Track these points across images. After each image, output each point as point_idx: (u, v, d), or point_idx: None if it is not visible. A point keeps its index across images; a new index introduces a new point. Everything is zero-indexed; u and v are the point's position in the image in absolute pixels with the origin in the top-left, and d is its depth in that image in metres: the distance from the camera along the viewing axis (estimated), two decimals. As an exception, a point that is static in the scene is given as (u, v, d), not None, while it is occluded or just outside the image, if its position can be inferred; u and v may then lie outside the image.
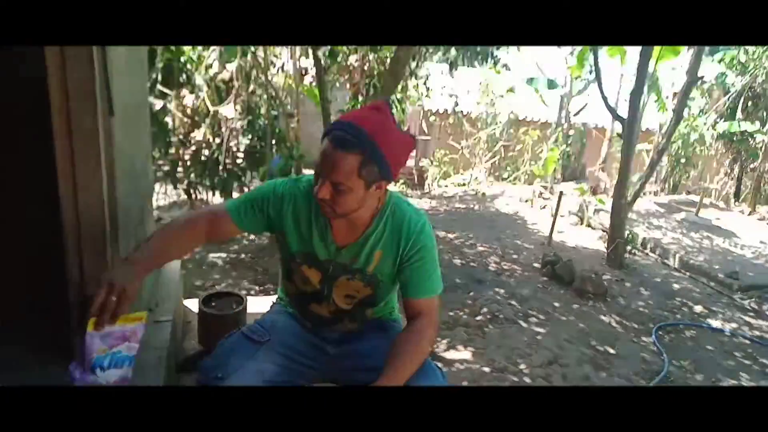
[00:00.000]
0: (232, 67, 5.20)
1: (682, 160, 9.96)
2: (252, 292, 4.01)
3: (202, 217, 1.43)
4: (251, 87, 6.20)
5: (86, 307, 1.13)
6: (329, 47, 5.84)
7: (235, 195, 5.50)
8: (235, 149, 5.55)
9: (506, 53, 8.85)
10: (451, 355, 3.19)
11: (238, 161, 5.63)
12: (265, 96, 6.33)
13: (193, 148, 5.40)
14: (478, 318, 3.74)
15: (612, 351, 3.61)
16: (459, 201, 9.03)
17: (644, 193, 9.73)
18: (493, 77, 10.76)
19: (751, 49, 9.38)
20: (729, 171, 10.78)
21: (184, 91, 5.11)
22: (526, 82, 10.11)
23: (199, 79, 5.18)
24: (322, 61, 5.17)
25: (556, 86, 10.04)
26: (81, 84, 1.29)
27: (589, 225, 7.43)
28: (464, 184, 10.61)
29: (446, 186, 10.73)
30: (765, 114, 9.55)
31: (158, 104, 4.63)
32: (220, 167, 5.37)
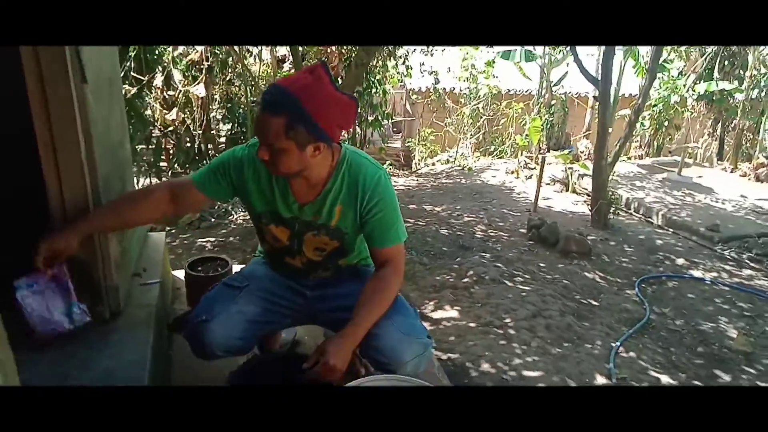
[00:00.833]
0: (200, 47, 5.25)
1: (665, 123, 10.07)
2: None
3: (163, 188, 1.53)
4: (228, 76, 6.25)
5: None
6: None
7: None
8: (216, 136, 5.60)
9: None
10: (438, 314, 3.29)
11: (221, 147, 5.68)
12: (243, 85, 6.38)
13: (174, 136, 5.45)
14: (465, 280, 3.83)
15: (595, 303, 3.73)
16: (446, 177, 9.11)
17: (628, 157, 9.86)
18: (472, 52, 10.79)
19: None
20: (711, 132, 10.91)
21: (157, 75, 5.15)
22: (501, 56, 10.12)
23: (176, 62, 5.23)
24: (300, 48, 5.22)
25: (533, 58, 10.07)
26: (53, 51, 1.35)
27: (574, 191, 7.55)
28: (451, 161, 10.69)
29: (433, 164, 10.80)
30: (742, 72, 9.66)
31: (133, 91, 4.66)
32: (201, 154, 5.43)
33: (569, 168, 7.80)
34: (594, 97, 7.16)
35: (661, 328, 3.42)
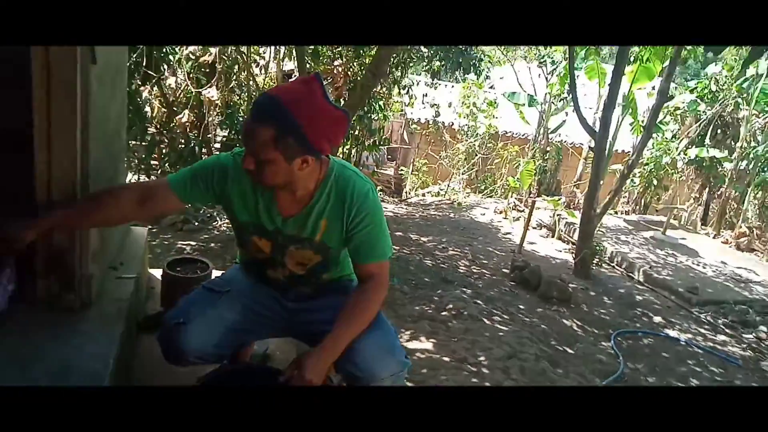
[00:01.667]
0: (214, 49, 5.27)
1: (654, 182, 10.25)
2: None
3: (132, 189, 1.47)
4: (232, 83, 6.27)
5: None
6: (312, 47, 5.93)
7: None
8: (212, 140, 5.58)
9: (489, 66, 9.01)
10: (413, 345, 3.24)
11: (215, 152, 5.65)
12: (245, 95, 6.40)
13: (171, 136, 5.42)
14: (444, 313, 3.80)
15: (570, 351, 3.71)
16: (435, 209, 9.14)
17: (615, 211, 9.99)
18: (475, 91, 10.98)
19: (721, 80, 9.79)
20: (698, 196, 11.12)
21: (167, 74, 5.16)
22: (507, 96, 10.31)
23: (182, 63, 5.24)
24: (306, 64, 5.26)
25: (535, 103, 10.27)
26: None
27: (559, 238, 7.60)
28: (441, 194, 10.75)
29: (423, 195, 10.85)
30: (732, 143, 9.90)
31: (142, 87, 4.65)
32: (194, 156, 5.40)
33: (558, 215, 7.87)
34: (590, 147, 7.28)
35: (633, 384, 3.40)
